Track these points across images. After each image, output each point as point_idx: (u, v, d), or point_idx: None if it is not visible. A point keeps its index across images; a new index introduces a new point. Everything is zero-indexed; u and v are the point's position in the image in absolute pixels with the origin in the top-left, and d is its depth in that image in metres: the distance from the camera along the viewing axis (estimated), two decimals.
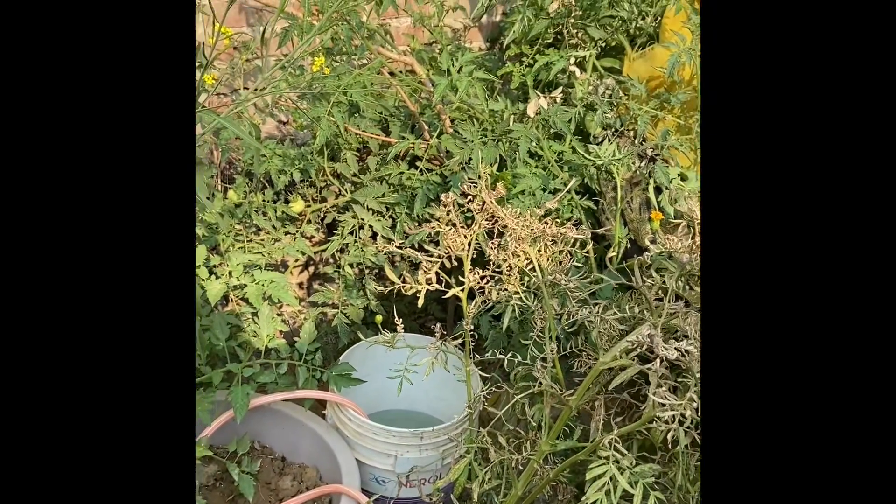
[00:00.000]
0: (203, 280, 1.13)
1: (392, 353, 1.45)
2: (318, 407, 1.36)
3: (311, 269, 1.64)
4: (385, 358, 1.44)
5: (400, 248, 0.88)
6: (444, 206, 0.84)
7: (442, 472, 1.32)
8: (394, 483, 1.28)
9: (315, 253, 1.51)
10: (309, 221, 1.45)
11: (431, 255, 0.85)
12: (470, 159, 1.28)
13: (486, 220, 0.87)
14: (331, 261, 1.51)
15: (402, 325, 0.90)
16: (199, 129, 0.95)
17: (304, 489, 1.26)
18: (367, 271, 1.41)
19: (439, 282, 0.88)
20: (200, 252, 1.17)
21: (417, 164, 1.40)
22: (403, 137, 1.40)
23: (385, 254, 1.38)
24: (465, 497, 1.01)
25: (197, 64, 0.79)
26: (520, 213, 0.85)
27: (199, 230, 1.19)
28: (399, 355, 1.45)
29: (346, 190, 1.44)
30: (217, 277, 1.19)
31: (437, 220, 0.84)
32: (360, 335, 1.12)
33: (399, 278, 0.88)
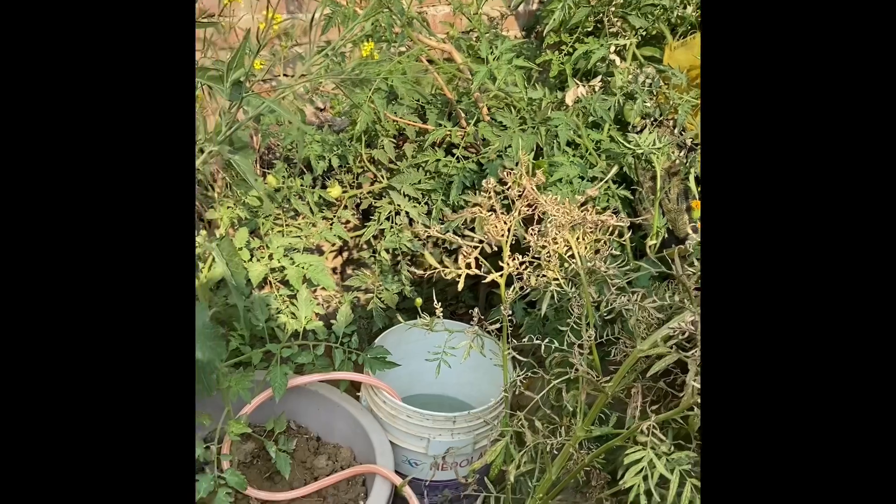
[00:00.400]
0: (245, 262, 1.16)
1: (425, 338, 1.47)
2: (353, 389, 1.38)
3: (345, 254, 1.67)
4: (418, 343, 1.46)
5: (439, 233, 0.90)
6: (485, 191, 0.85)
7: (473, 457, 1.34)
8: (426, 465, 1.30)
9: (350, 239, 1.53)
10: (345, 207, 1.47)
11: (471, 241, 0.86)
12: (508, 147, 1.28)
13: (526, 206, 0.88)
14: (365, 247, 1.53)
15: (441, 308, 0.91)
16: (241, 116, 0.97)
17: (339, 468, 1.29)
18: (402, 257, 1.42)
19: (478, 267, 0.89)
20: (242, 234, 1.19)
21: (454, 151, 1.41)
22: (440, 125, 1.41)
23: (420, 240, 1.40)
24: (500, 479, 1.03)
25: (247, 51, 0.81)
26: (560, 200, 0.85)
27: (242, 212, 1.21)
28: (432, 340, 1.46)
29: (382, 176, 1.46)
30: (258, 260, 1.22)
31: (477, 205, 0.85)
32: (399, 318, 1.14)
33: (439, 263, 0.90)
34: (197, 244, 1.08)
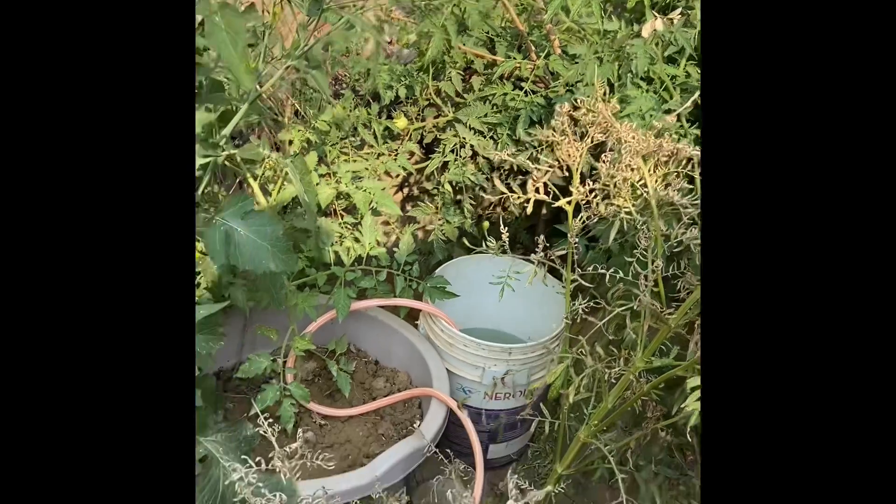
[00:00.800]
0: (314, 185, 1.19)
1: (483, 272, 1.49)
2: (410, 318, 1.42)
3: (406, 189, 1.68)
4: (476, 277, 1.48)
5: (510, 157, 0.89)
6: (559, 115, 0.84)
7: (525, 389, 1.36)
8: (480, 394, 1.34)
9: (414, 171, 1.54)
10: (410, 139, 1.48)
11: (542, 165, 0.86)
12: (578, 81, 1.25)
13: (600, 133, 0.87)
14: (425, 181, 1.54)
15: (507, 234, 0.92)
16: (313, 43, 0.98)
17: (396, 391, 1.34)
18: (464, 191, 1.43)
19: (547, 193, 0.89)
20: (311, 158, 1.22)
21: (522, 85, 1.39)
22: (510, 57, 1.39)
23: (484, 173, 1.40)
24: (555, 407, 1.05)
25: None
26: (635, 127, 0.84)
27: (312, 136, 1.23)
28: (489, 274, 1.48)
29: (448, 109, 1.45)
30: (326, 184, 1.25)
31: (550, 129, 0.85)
32: (459, 252, 1.15)
33: (503, 192, 0.90)
34: (271, 162, 1.12)
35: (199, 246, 0.95)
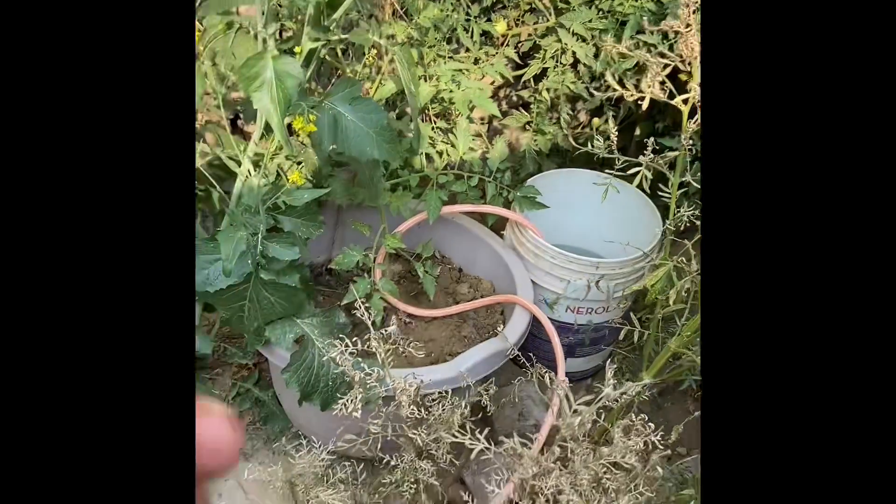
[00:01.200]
0: (418, 78, 1.17)
1: (573, 187, 1.46)
2: (496, 229, 1.42)
3: (500, 98, 1.65)
4: (566, 191, 1.45)
5: (628, 49, 0.85)
6: (684, 4, 0.79)
7: (609, 306, 1.35)
8: (563, 307, 1.34)
9: (511, 78, 1.50)
10: (507, 45, 1.43)
11: (661, 59, 0.82)
12: None
13: None
14: (521, 90, 1.50)
15: (616, 137, 0.89)
16: None
17: (479, 297, 1.35)
18: (562, 101, 1.39)
19: (663, 91, 0.85)
20: (413, 53, 1.20)
21: None
22: None
23: (584, 83, 1.35)
24: (646, 316, 1.03)
25: None
26: None
27: (413, 32, 1.22)
28: (580, 190, 1.45)
29: (550, 14, 1.40)
30: (426, 81, 1.23)
31: (674, 21, 0.80)
32: (551, 164, 1.12)
33: (620, 85, 0.86)
34: (378, 48, 1.11)
35: (301, 135, 0.97)
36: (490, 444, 0.77)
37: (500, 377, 1.20)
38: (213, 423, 0.24)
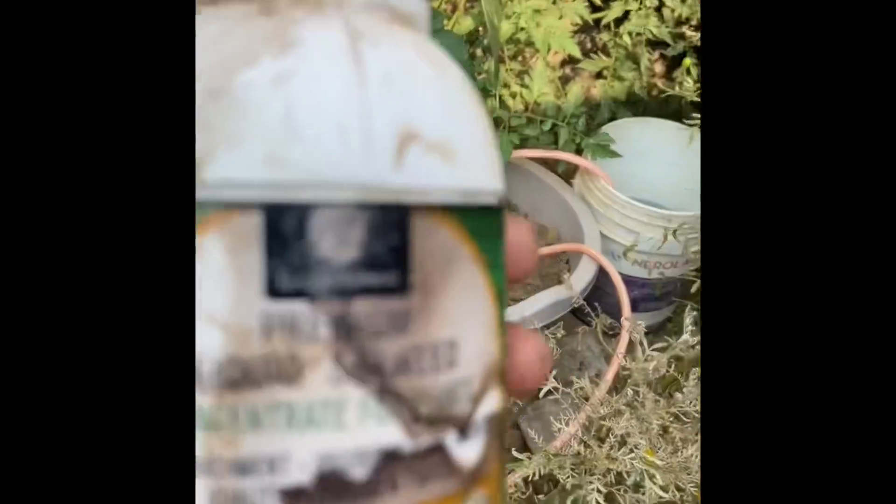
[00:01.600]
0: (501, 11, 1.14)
1: (647, 138, 1.41)
2: (566, 177, 1.39)
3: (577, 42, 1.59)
4: (639, 142, 1.41)
5: None
6: None
7: (679, 262, 1.32)
8: (631, 260, 1.31)
9: (591, 20, 1.44)
10: None
11: None
12: None
13: None
14: (600, 34, 1.44)
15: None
16: None
17: (545, 245, 1.34)
18: (644, 48, 1.33)
19: None
20: None
21: None
22: None
23: (668, 27, 1.29)
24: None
25: None
26: None
27: None
28: (654, 141, 1.40)
29: None
30: (506, 18, 1.20)
31: None
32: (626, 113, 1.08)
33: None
34: None
35: None
36: (558, 384, 0.76)
37: (563, 327, 1.19)
38: (519, 227, 0.24)
